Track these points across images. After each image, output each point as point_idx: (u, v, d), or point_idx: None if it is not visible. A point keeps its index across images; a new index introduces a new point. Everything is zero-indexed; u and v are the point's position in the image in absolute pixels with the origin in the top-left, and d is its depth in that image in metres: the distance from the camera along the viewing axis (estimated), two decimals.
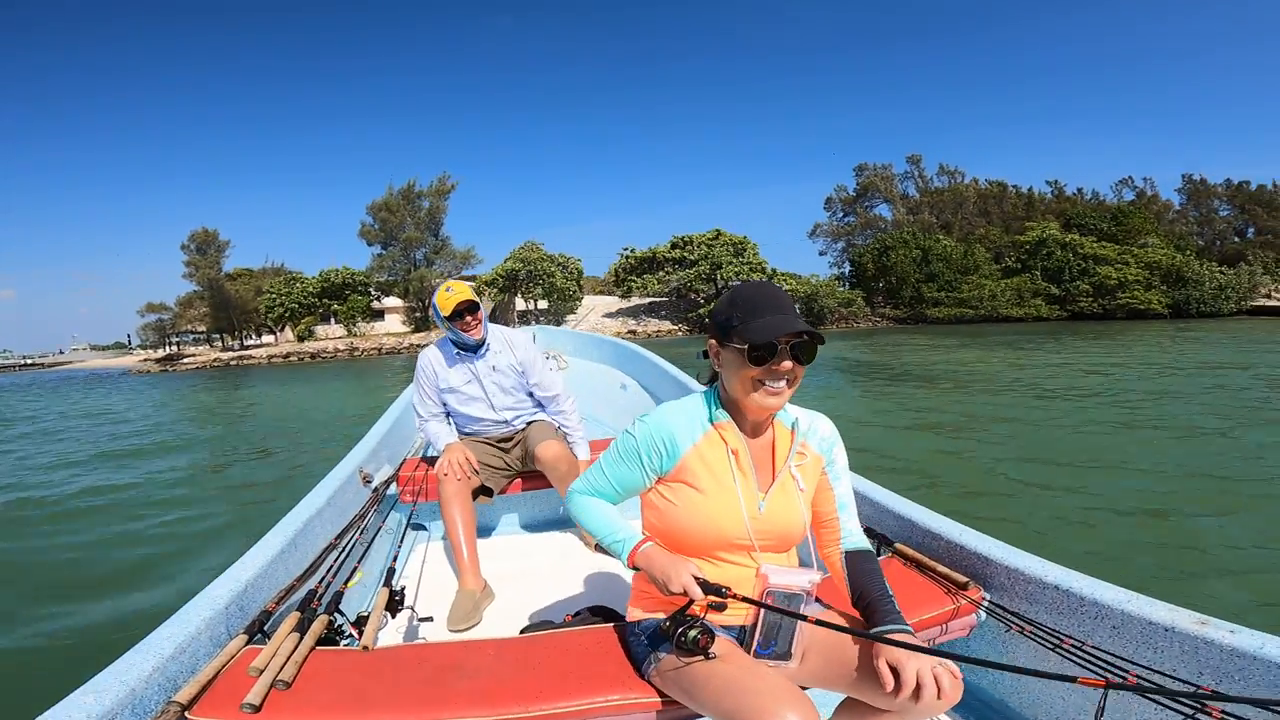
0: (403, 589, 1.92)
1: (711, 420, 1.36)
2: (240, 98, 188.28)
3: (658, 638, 1.34)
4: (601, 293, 65.05)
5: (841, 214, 65.94)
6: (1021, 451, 6.86)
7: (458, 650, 1.52)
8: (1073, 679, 0.96)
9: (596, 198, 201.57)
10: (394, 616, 1.89)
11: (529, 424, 2.91)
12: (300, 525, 2.01)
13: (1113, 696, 0.97)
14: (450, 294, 2.69)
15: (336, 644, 1.62)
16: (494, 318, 47.91)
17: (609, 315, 52.53)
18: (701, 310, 48.58)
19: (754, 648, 1.29)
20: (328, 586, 1.82)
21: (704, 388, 1.45)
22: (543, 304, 50.94)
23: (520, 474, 2.91)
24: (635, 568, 1.34)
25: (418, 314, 49.86)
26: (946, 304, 49.04)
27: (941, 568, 1.76)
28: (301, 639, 1.48)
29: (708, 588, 1.23)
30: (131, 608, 3.88)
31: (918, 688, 1.11)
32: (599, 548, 1.43)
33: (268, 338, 55.65)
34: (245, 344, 55.00)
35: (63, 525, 5.83)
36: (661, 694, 1.32)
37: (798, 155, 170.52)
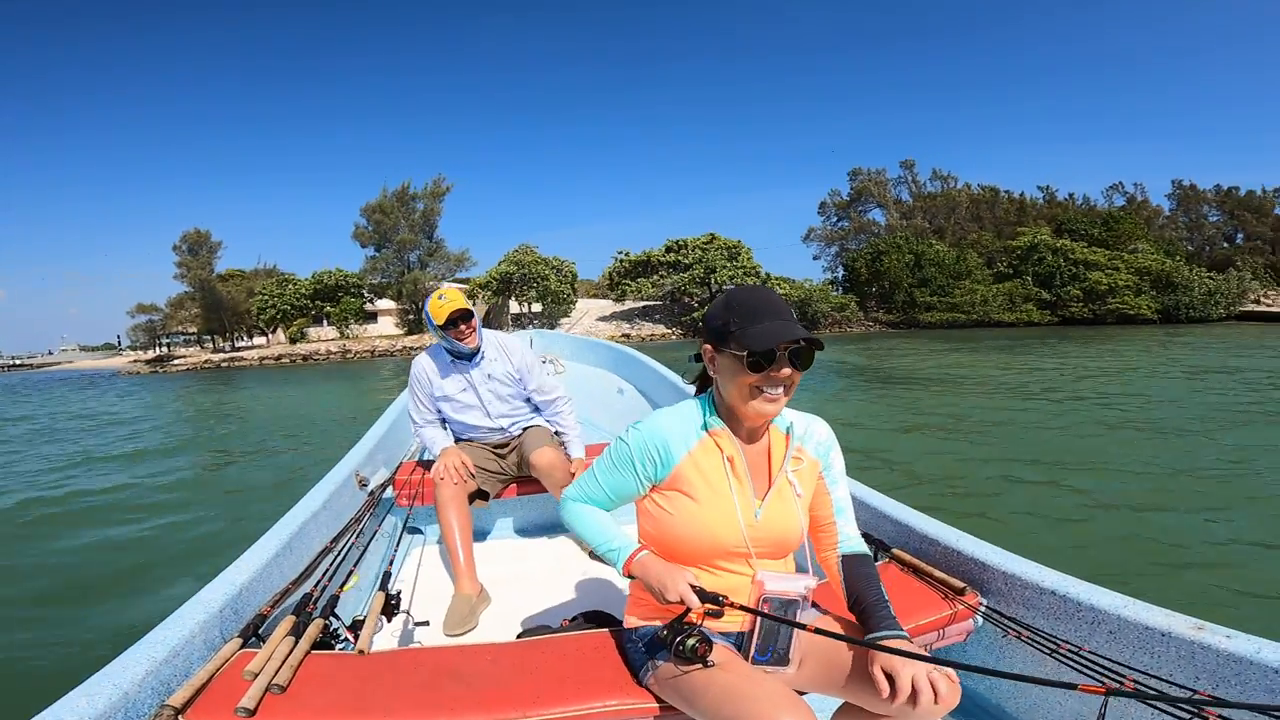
0: (399, 593, 1.91)
1: (706, 427, 1.34)
2: (234, 97, 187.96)
3: (655, 645, 1.33)
4: (595, 296, 65.03)
5: (835, 218, 66.21)
6: (1012, 453, 6.92)
7: (454, 655, 1.51)
8: (1073, 686, 0.96)
9: (591, 201, 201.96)
10: (390, 620, 1.88)
11: (525, 429, 2.90)
12: (296, 528, 2.00)
13: (1112, 702, 0.97)
14: (443, 302, 2.64)
15: (332, 648, 1.61)
16: (487, 320, 47.77)
17: (602, 319, 52.52)
18: (695, 314, 48.62)
19: (752, 654, 1.28)
20: (323, 590, 1.81)
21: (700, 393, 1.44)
22: (536, 307, 50.87)
23: (516, 478, 2.89)
24: (631, 576, 1.33)
25: (411, 316, 49.66)
26: (939, 309, 49.26)
27: (939, 573, 1.76)
28: (297, 643, 1.47)
29: (705, 596, 1.22)
30: (124, 612, 3.85)
31: (914, 693, 1.11)
32: (594, 554, 1.43)
33: (259, 339, 55.29)
34: (236, 346, 54.67)
35: (52, 529, 5.77)
36: (659, 699, 1.32)
37: (793, 159, 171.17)
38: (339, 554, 2.08)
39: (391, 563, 2.17)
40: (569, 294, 50.25)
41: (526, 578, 2.61)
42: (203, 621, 1.45)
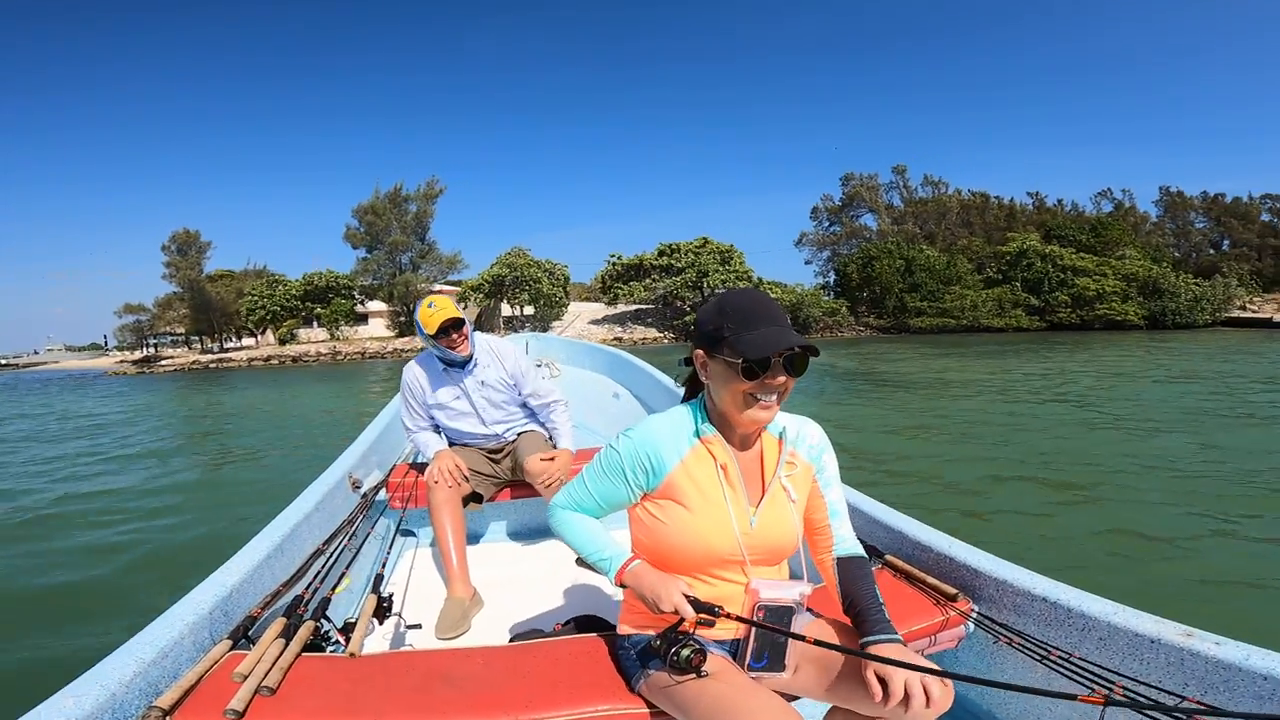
0: (391, 596, 1.90)
1: (698, 434, 1.32)
2: (225, 95, 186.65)
3: (648, 653, 1.32)
4: (587, 299, 65.02)
5: (827, 223, 66.50)
6: (998, 455, 7.01)
7: (446, 658, 1.50)
8: (1073, 696, 0.96)
9: (584, 204, 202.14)
10: (381, 623, 1.87)
11: (520, 434, 2.88)
12: (288, 530, 1.99)
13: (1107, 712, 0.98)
14: (433, 311, 2.58)
15: (323, 650, 1.59)
16: (480, 323, 47.76)
17: (594, 322, 52.48)
18: (687, 318, 48.64)
19: (747, 661, 1.28)
20: (314, 592, 1.79)
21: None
22: (528, 310, 50.81)
23: (511, 482, 2.87)
24: (624, 586, 1.32)
25: (402, 319, 49.47)
26: (929, 314, 49.53)
27: (931, 579, 1.76)
28: (287, 645, 1.46)
29: (699, 606, 1.22)
30: (111, 617, 3.79)
31: (907, 697, 1.11)
32: (580, 562, 1.41)
33: (248, 340, 54.92)
34: (225, 347, 54.27)
35: (37, 531, 5.70)
36: (651, 706, 1.31)
37: (786, 164, 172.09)
38: (331, 556, 2.07)
39: (384, 565, 2.16)
40: (561, 297, 50.20)
41: (520, 581, 2.60)
42: (192, 623, 1.44)
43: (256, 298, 49.37)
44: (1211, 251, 61.90)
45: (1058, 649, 1.47)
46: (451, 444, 2.86)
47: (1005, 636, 1.58)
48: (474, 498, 2.72)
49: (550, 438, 2.90)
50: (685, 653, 1.19)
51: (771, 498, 1.33)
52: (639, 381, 4.83)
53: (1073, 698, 0.96)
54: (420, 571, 2.69)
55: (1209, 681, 1.25)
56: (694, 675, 1.21)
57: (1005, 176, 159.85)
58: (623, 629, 1.44)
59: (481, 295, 48.38)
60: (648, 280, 51.46)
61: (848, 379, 16.62)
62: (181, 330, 55.62)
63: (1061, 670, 1.41)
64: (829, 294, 56.40)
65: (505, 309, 50.83)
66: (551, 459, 2.67)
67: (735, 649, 1.32)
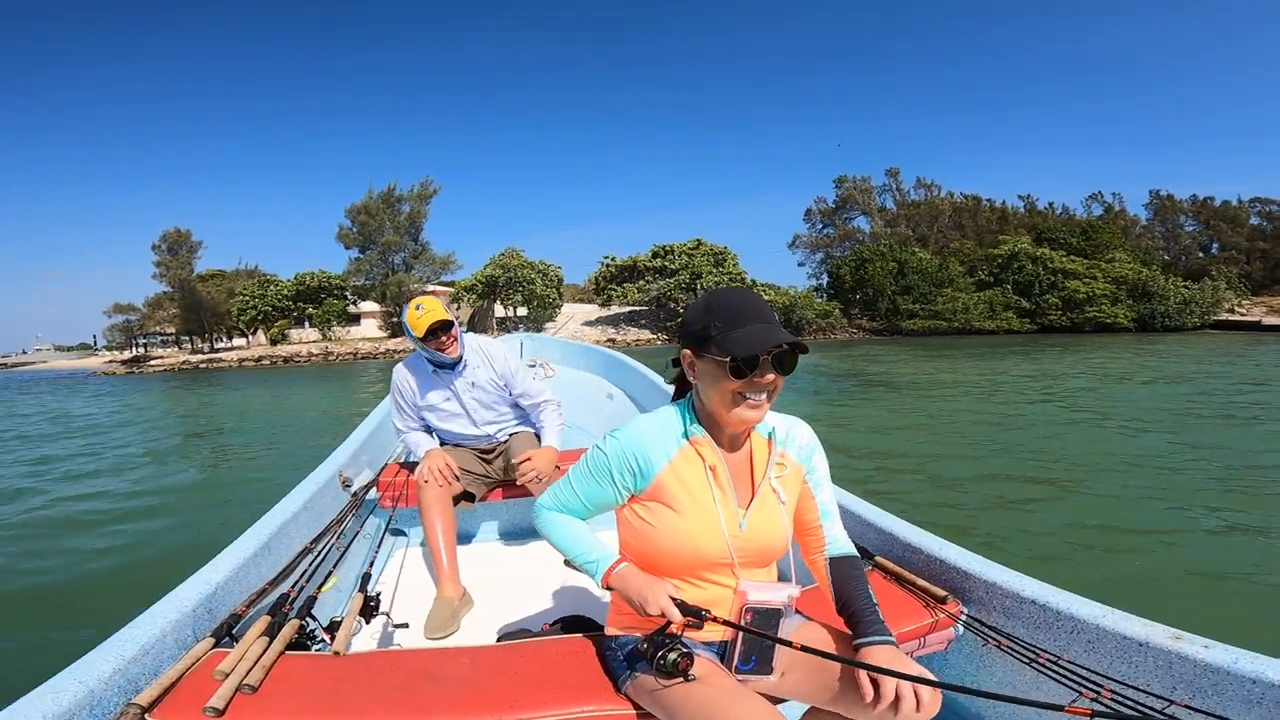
0: (379, 595, 1.88)
1: (687, 435, 1.30)
2: (222, 96, 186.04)
3: (635, 656, 1.31)
4: (581, 301, 64.94)
5: (821, 225, 66.65)
6: (985, 453, 7.08)
7: (431, 657, 1.49)
8: (1060, 707, 0.96)
9: (579, 205, 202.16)
10: (369, 622, 1.86)
11: (511, 435, 2.87)
12: (275, 529, 1.97)
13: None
14: (421, 313, 2.55)
15: (308, 649, 1.58)
16: (473, 324, 47.65)
17: (588, 323, 52.42)
18: (680, 320, 48.57)
19: (735, 664, 1.27)
20: (300, 591, 1.78)
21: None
22: (522, 311, 50.69)
23: (502, 482, 2.86)
24: (610, 588, 1.31)
25: (395, 319, 49.23)
26: (921, 316, 49.69)
27: (921, 581, 1.76)
28: (271, 643, 1.45)
29: (686, 609, 1.21)
30: (97, 615, 3.76)
31: (897, 699, 1.11)
32: (568, 563, 1.40)
33: (239, 341, 54.57)
34: (215, 347, 53.90)
35: (20, 534, 5.64)
36: (637, 708, 1.30)
37: (781, 166, 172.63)
38: (319, 555, 2.05)
39: (372, 564, 2.14)
40: (555, 298, 50.11)
41: (510, 582, 2.58)
42: (174, 620, 1.42)
43: (248, 298, 49.06)
44: (1201, 255, 62.30)
45: (1047, 652, 1.47)
46: (444, 444, 2.84)
47: (994, 639, 1.58)
48: (466, 497, 2.70)
49: (538, 434, 2.88)
50: (672, 656, 1.18)
51: (761, 499, 1.32)
52: (633, 382, 4.82)
53: (1060, 708, 0.95)
54: (410, 571, 2.67)
55: (1197, 685, 1.25)
56: (681, 678, 1.20)
57: (997, 179, 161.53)
58: (611, 630, 1.43)
59: (475, 296, 48.26)
60: (641, 282, 51.41)
61: (840, 381, 16.67)
62: (171, 330, 55.19)
63: (1050, 673, 1.41)
64: (822, 296, 56.48)
65: (498, 310, 50.70)
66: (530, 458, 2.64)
67: (723, 651, 1.31)
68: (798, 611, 1.37)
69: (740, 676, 1.26)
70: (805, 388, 14.75)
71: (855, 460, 7.05)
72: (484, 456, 2.83)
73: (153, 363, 45.32)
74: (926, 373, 18.11)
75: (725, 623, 1.23)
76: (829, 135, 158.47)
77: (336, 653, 1.53)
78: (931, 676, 1.12)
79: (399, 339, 46.04)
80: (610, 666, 1.40)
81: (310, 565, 1.96)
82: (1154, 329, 44.30)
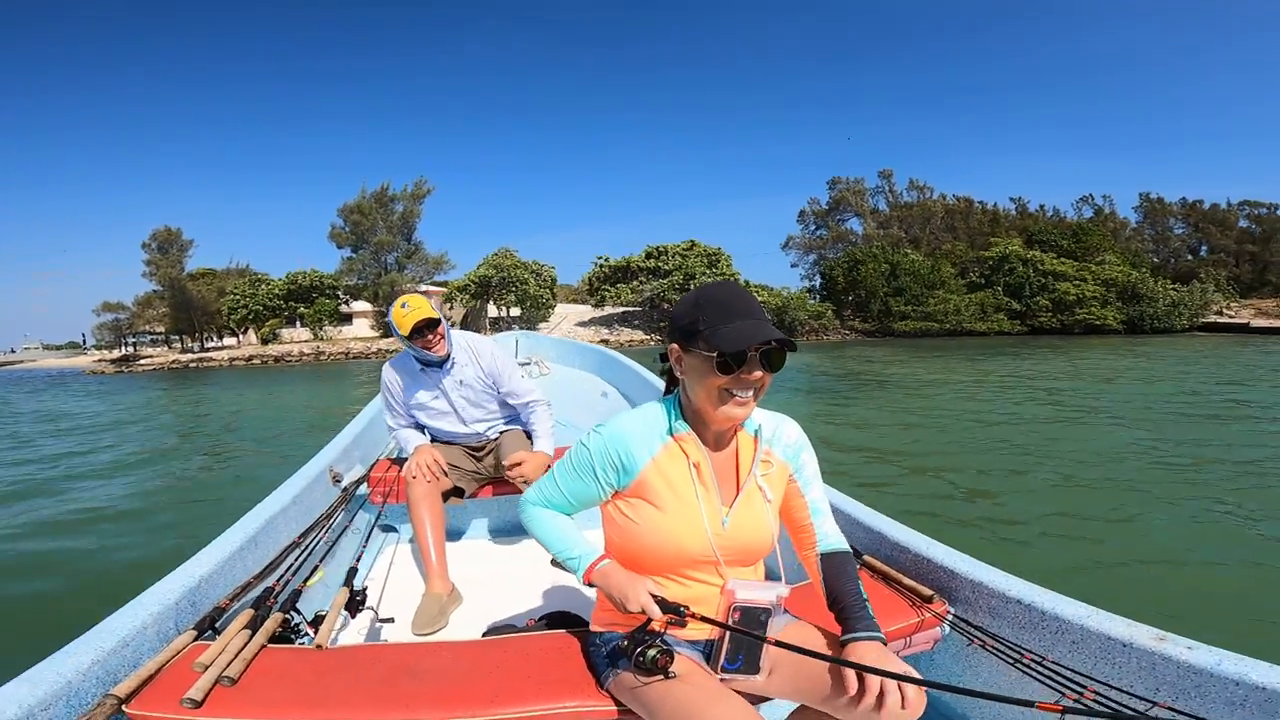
0: (364, 589, 1.87)
1: (671, 431, 1.29)
2: (219, 97, 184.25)
3: (617, 653, 1.30)
4: (574, 301, 64.90)
5: (814, 227, 66.91)
6: (974, 451, 7.13)
7: (414, 651, 1.48)
8: (1030, 703, 0.96)
9: (573, 206, 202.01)
10: (354, 617, 1.84)
11: (501, 434, 2.85)
12: (262, 522, 1.96)
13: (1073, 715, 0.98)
14: (407, 311, 2.54)
15: (291, 643, 1.57)
16: (466, 324, 47.51)
17: (581, 324, 52.42)
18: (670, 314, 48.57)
19: (721, 663, 1.26)
20: (285, 585, 1.77)
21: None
22: (515, 311, 50.62)
23: (492, 479, 2.85)
24: (592, 584, 1.30)
25: (387, 319, 49.04)
26: (913, 318, 49.93)
27: (908, 580, 1.76)
28: (253, 636, 1.44)
29: (666, 607, 1.20)
30: (83, 613, 3.72)
31: (881, 695, 1.10)
32: (555, 561, 1.39)
33: (229, 340, 54.26)
34: (205, 346, 53.57)
35: (9, 533, 5.58)
36: (619, 704, 1.30)
37: (775, 168, 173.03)
38: (306, 549, 2.04)
39: (360, 559, 2.13)
40: (548, 298, 50.07)
41: (500, 579, 2.57)
42: (156, 613, 1.41)
43: (239, 297, 48.79)
44: (1190, 257, 62.85)
45: (1032, 652, 1.47)
46: (434, 441, 2.83)
47: (980, 639, 1.58)
48: (455, 493, 2.69)
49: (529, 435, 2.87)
50: (651, 653, 1.17)
51: (745, 497, 1.31)
52: (627, 380, 4.82)
53: (1030, 704, 0.95)
54: (399, 567, 2.65)
55: (1180, 686, 1.25)
56: (661, 676, 1.19)
57: (989, 182, 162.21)
58: (595, 627, 1.42)
59: (468, 296, 48.17)
60: (635, 282, 51.48)
61: (832, 381, 16.73)
62: (161, 329, 54.85)
63: (1035, 674, 1.41)
64: (815, 297, 56.70)
65: (492, 310, 50.62)
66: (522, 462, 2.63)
67: (709, 650, 1.30)
68: (786, 610, 1.36)
69: (727, 675, 1.26)
70: (802, 388, 14.81)
71: (843, 456, 7.11)
72: (474, 453, 2.82)
73: (142, 362, 44.99)
74: (918, 374, 18.20)
75: (711, 621, 1.22)
76: (825, 137, 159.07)
77: (319, 646, 1.52)
78: (917, 675, 1.11)
79: (391, 339, 45.82)
80: (593, 663, 1.39)
81: (297, 559, 1.95)
82: (1143, 331, 44.68)
